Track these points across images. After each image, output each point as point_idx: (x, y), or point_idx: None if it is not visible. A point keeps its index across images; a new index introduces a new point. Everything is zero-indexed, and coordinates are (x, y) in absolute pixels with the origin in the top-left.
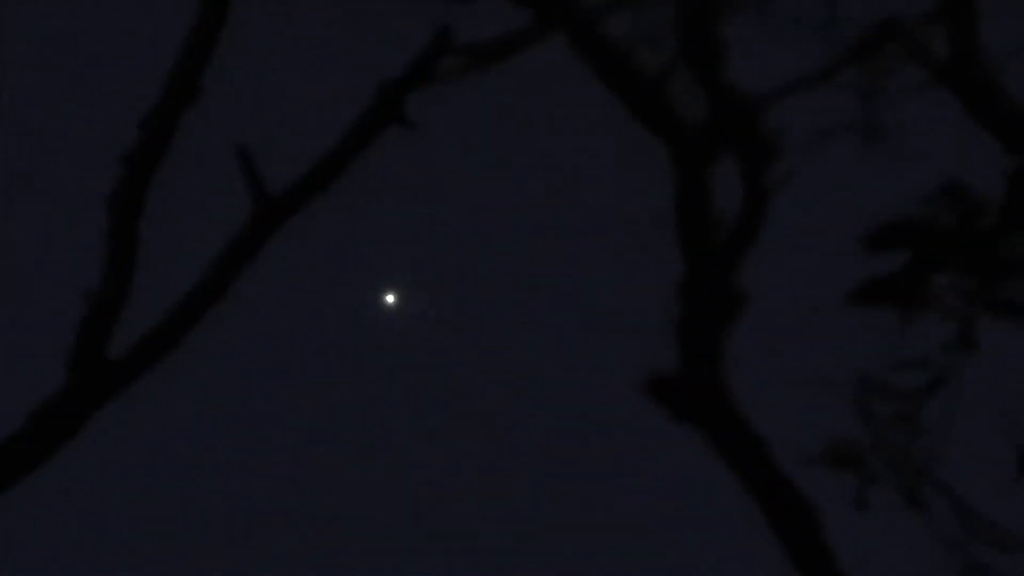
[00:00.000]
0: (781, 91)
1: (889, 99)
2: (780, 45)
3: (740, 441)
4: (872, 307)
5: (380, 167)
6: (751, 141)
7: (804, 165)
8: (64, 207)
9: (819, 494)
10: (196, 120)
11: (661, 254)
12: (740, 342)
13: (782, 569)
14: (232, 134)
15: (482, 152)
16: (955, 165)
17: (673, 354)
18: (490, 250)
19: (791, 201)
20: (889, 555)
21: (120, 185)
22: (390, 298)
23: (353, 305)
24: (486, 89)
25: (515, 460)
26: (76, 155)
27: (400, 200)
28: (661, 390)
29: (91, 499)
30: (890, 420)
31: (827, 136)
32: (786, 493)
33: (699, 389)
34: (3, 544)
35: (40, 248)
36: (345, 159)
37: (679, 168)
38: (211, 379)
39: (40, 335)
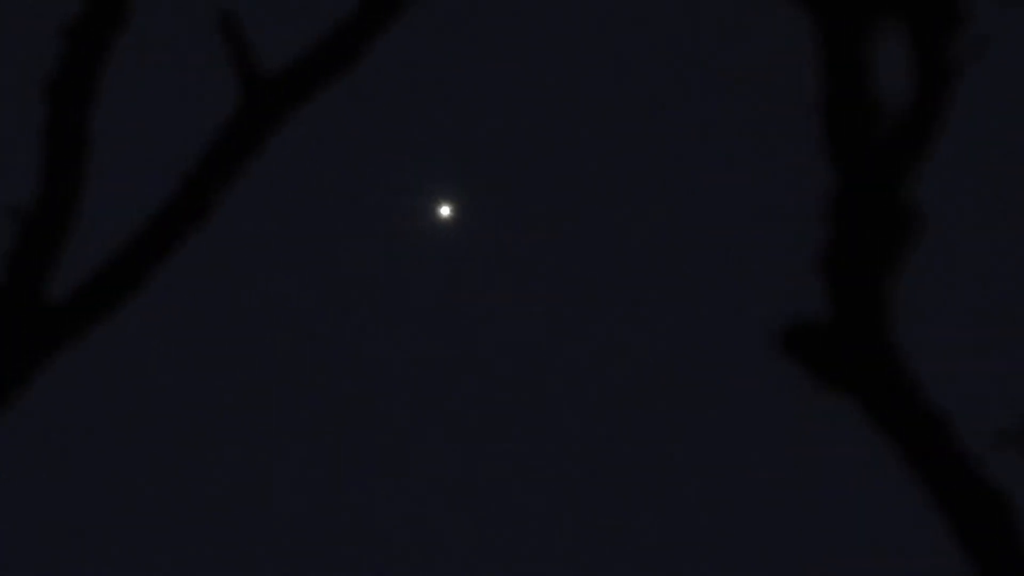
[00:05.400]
0: None
1: None
2: None
3: (910, 412)
4: None
5: (426, 48)
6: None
7: (1002, 32)
8: None
9: (1014, 483)
10: None
11: (801, 161)
12: (912, 279)
13: None
14: None
15: (557, 40)
16: None
17: (820, 296)
18: (563, 156)
19: (983, 82)
20: None
21: (62, 64)
22: (445, 210)
23: (405, 216)
24: None
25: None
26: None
27: (457, 96)
28: (803, 344)
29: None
30: None
31: None
32: (970, 481)
33: (856, 343)
34: None
35: None
36: (370, 28)
37: (827, 41)
38: (234, 301)
39: None
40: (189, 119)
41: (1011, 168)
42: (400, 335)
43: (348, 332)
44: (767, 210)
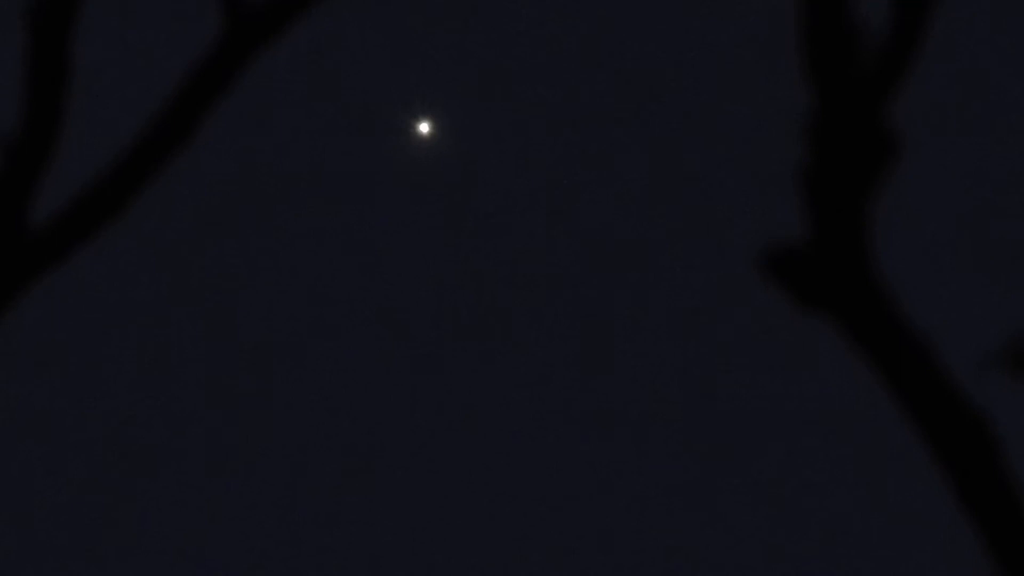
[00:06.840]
0: None
1: None
2: None
3: (891, 335)
4: None
5: None
6: None
7: None
8: None
9: (998, 409)
10: None
11: (779, 85)
12: (892, 203)
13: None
14: None
15: None
16: None
17: (800, 220)
18: (541, 72)
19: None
20: None
21: None
22: (424, 126)
23: (383, 132)
24: None
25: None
26: None
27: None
28: (785, 267)
29: None
30: None
31: None
32: (953, 405)
33: (836, 266)
34: None
35: None
36: None
37: None
38: (216, 218)
39: None
40: (173, 44)
41: (999, 85)
42: (383, 253)
43: (329, 250)
44: (743, 137)
